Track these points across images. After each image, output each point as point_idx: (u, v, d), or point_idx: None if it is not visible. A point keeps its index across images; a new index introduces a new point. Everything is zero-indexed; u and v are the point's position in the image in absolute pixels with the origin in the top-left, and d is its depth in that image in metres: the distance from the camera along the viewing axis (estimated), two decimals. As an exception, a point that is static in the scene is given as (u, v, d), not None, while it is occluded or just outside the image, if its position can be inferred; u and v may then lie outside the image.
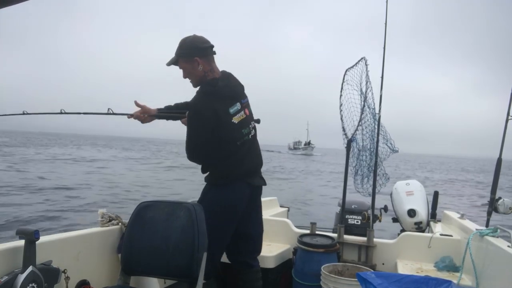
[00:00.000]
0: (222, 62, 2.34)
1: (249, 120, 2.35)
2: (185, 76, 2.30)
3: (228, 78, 2.31)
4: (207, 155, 2.25)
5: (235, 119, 2.24)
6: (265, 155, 2.59)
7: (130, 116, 2.44)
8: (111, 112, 2.45)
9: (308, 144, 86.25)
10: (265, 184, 2.48)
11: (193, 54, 2.20)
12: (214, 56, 2.29)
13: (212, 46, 2.27)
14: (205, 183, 2.37)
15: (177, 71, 2.32)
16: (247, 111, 2.34)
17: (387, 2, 3.22)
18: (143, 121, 2.44)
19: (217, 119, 2.16)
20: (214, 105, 2.17)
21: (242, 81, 2.42)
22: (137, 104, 2.42)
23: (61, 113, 2.46)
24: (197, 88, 2.29)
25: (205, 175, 2.37)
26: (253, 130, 2.37)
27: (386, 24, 3.23)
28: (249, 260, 2.50)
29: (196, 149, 2.25)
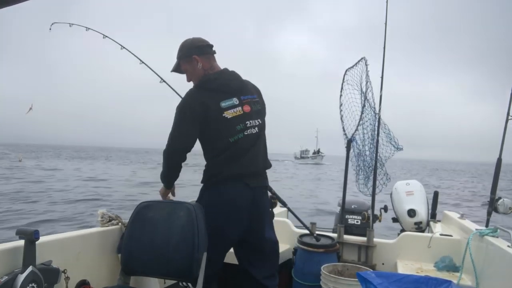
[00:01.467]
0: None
1: (248, 118, 2.17)
2: (188, 79, 2.27)
3: (221, 73, 2.21)
4: (187, 149, 2.14)
5: (228, 114, 2.11)
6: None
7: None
8: None
9: (317, 152, 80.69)
10: (266, 183, 2.30)
11: (192, 53, 2.19)
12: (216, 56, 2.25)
13: (211, 46, 2.24)
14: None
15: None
16: (247, 107, 2.18)
17: (387, 1, 3.23)
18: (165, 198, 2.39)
19: (204, 111, 2.07)
20: (203, 97, 2.11)
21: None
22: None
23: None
24: None
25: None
26: (254, 129, 2.18)
27: (386, 24, 3.23)
28: (264, 281, 2.27)
29: (174, 141, 2.14)
